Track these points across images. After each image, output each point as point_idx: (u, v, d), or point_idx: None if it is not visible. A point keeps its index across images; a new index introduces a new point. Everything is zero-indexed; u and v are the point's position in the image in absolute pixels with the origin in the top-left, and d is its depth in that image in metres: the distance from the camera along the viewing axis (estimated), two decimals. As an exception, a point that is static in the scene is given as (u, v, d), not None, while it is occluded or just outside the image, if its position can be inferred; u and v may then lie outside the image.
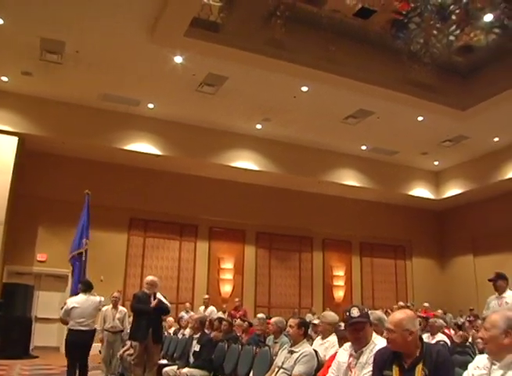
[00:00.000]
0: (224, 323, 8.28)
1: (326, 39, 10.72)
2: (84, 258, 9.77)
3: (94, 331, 7.49)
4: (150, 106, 12.75)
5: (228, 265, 15.04)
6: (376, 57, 11.52)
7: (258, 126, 13.85)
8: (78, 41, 9.99)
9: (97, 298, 7.59)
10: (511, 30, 10.80)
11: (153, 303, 6.99)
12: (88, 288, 7.54)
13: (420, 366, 3.02)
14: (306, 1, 10.29)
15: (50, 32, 9.73)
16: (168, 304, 7.32)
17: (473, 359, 3.14)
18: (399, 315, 3.23)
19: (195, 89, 11.83)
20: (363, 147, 15.39)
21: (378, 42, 11.42)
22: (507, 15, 10.37)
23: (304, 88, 11.72)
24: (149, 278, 7.36)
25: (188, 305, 12.99)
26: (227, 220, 15.05)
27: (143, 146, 13.21)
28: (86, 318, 7.18)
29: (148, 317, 6.98)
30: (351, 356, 3.66)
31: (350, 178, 15.85)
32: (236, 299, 13.42)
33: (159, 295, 7.18)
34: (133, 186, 13.93)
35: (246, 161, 14.33)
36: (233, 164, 14.17)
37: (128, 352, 8.10)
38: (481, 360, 2.97)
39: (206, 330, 7.65)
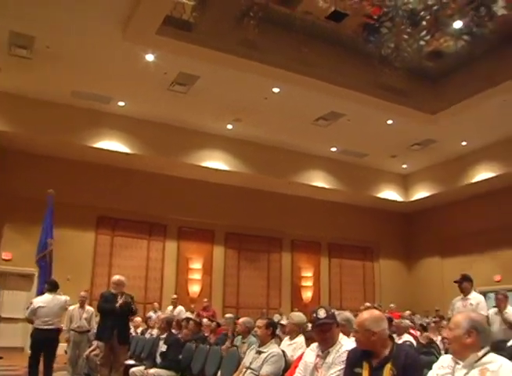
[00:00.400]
0: (191, 323, 8.25)
1: (299, 41, 10.77)
2: (48, 259, 9.67)
3: (59, 330, 7.45)
4: (121, 104, 12.64)
5: (196, 265, 14.98)
6: (348, 60, 11.62)
7: (229, 126, 13.85)
8: (49, 36, 9.85)
9: (63, 298, 7.54)
10: (479, 37, 11.01)
11: (119, 303, 6.92)
12: (53, 288, 7.49)
13: (388, 366, 3.08)
14: (279, 2, 10.32)
15: (20, 26, 9.57)
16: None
17: (438, 359, 3.21)
18: (363, 315, 3.31)
19: (166, 88, 11.77)
20: (333, 149, 15.50)
21: (350, 45, 11.52)
22: (476, 22, 10.57)
23: (276, 90, 11.76)
24: (116, 277, 7.30)
25: (156, 304, 12.92)
26: (196, 220, 15.00)
27: (113, 144, 13.09)
28: (52, 317, 7.16)
29: (113, 317, 6.91)
30: (317, 356, 3.70)
31: (320, 180, 15.95)
32: (205, 299, 13.40)
33: (121, 299, 7.06)
34: (102, 184, 13.77)
35: (216, 161, 14.32)
36: (204, 164, 14.14)
37: (94, 353, 8.02)
38: (445, 360, 3.03)
39: (173, 331, 7.63)
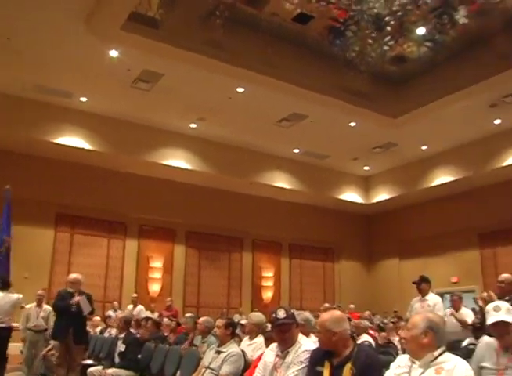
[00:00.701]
0: (149, 322, 8.20)
1: (265, 42, 10.81)
2: (4, 256, 9.47)
3: (11, 328, 7.33)
4: (83, 99, 12.44)
5: (157, 263, 14.86)
6: (313, 62, 11.71)
7: (193, 125, 13.78)
8: (9, 27, 9.62)
9: (14, 296, 7.43)
10: (441, 44, 11.25)
11: (74, 300, 6.81)
12: (4, 286, 7.37)
13: (348, 366, 3.15)
14: (246, 2, 10.33)
15: (-23, 17, 9.34)
16: (86, 308, 7.07)
17: (395, 359, 3.27)
18: (325, 316, 3.38)
19: (129, 85, 11.63)
20: (296, 150, 15.59)
21: (315, 48, 11.61)
22: (438, 30, 10.80)
23: (240, 90, 11.76)
24: (72, 276, 7.21)
25: (115, 303, 12.77)
26: (157, 218, 14.88)
27: (74, 140, 12.87)
28: (2, 315, 7.04)
29: (69, 316, 6.81)
30: (277, 356, 3.73)
31: (281, 181, 16.02)
32: (168, 299, 13.32)
33: (77, 297, 6.95)
34: (62, 180, 13.52)
35: (178, 160, 14.23)
36: (166, 163, 14.03)
37: (51, 352, 7.89)
38: (402, 360, 3.10)
39: (132, 330, 7.56)
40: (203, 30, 10.24)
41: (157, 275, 14.76)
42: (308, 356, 3.54)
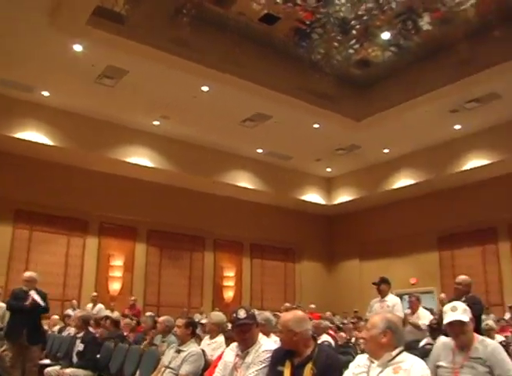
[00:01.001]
0: (108, 321, 8.11)
1: (231, 41, 10.79)
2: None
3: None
4: (45, 93, 12.19)
5: (117, 262, 14.68)
6: (279, 63, 11.75)
7: (156, 123, 13.67)
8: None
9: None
10: (405, 49, 11.44)
11: (28, 302, 6.69)
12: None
13: (309, 365, 3.19)
14: (213, 1, 10.31)
15: None
16: (41, 302, 6.94)
17: (354, 358, 3.32)
18: (287, 316, 3.41)
19: (94, 80, 11.46)
20: (259, 150, 15.62)
21: (281, 49, 11.66)
22: (403, 35, 10.98)
23: (205, 88, 11.72)
24: (27, 274, 7.08)
25: (74, 302, 12.60)
26: (119, 216, 14.70)
27: (35, 135, 12.59)
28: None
29: (23, 316, 6.68)
30: (237, 356, 3.74)
31: (244, 181, 16.03)
32: (132, 298, 13.22)
33: (32, 293, 6.83)
34: (21, 176, 13.21)
35: (141, 158, 14.09)
36: (128, 160, 13.88)
37: (5, 353, 7.72)
38: (361, 359, 3.15)
39: (91, 329, 7.47)
40: (169, 27, 10.16)
41: (118, 273, 14.59)
42: (268, 355, 3.56)
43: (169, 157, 14.48)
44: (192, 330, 4.91)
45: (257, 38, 11.35)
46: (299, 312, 3.53)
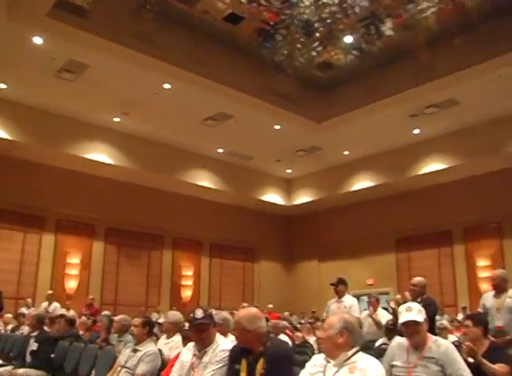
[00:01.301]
0: (62, 320, 7.97)
1: (194, 39, 10.77)
2: None
3: None
4: (2, 86, 11.89)
5: (74, 260, 14.44)
6: (241, 63, 11.77)
7: (117, 119, 13.50)
8: None
9: None
10: (367, 53, 11.60)
11: None
12: None
13: (261, 361, 3.21)
14: (178, -2, 10.25)
15: None
16: None
17: (311, 358, 3.35)
18: (240, 314, 3.44)
19: (53, 74, 11.24)
20: (220, 150, 15.59)
21: (245, 49, 11.68)
22: (365, 39, 11.13)
23: (167, 86, 11.64)
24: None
25: (29, 300, 12.33)
26: (77, 213, 14.45)
27: (-11, 128, 12.32)
28: None
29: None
30: (194, 355, 3.72)
31: (205, 180, 15.98)
32: (90, 297, 13.05)
33: None
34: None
35: (100, 154, 13.89)
36: (87, 156, 13.65)
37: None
38: (317, 359, 3.17)
39: (46, 328, 7.33)
40: (132, 23, 10.06)
41: (74, 271, 14.35)
42: (225, 355, 3.57)
43: (129, 154, 14.32)
44: (149, 330, 4.87)
45: (221, 38, 11.34)
46: (252, 310, 3.54)
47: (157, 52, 10.46)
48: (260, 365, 3.23)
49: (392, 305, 7.38)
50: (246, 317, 3.37)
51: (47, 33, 9.69)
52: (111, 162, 14.04)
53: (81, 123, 13.42)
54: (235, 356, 3.45)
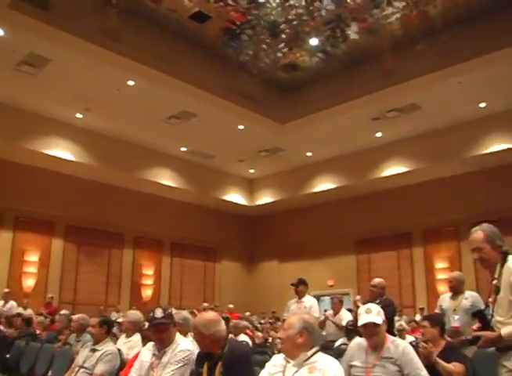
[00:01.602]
0: (18, 319, 7.82)
1: (160, 37, 10.69)
2: None
3: None
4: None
5: (33, 257, 14.14)
6: (206, 62, 11.74)
7: (79, 115, 13.29)
8: None
9: None
10: (332, 56, 11.71)
11: None
12: None
13: (219, 365, 3.21)
14: (144, -6, 10.16)
15: None
16: None
17: (271, 358, 3.36)
18: (197, 319, 3.46)
19: (13, 67, 10.98)
20: (183, 149, 15.51)
21: (210, 48, 11.66)
22: (331, 42, 11.24)
23: (131, 83, 11.51)
24: None
25: (-16, 299, 12.05)
26: (35, 210, 14.15)
27: None
28: None
29: None
30: (153, 355, 3.70)
31: (167, 178, 15.87)
32: (49, 295, 12.81)
33: None
34: None
35: (62, 150, 13.64)
36: (48, 152, 13.38)
37: None
38: (277, 359, 3.18)
39: (1, 327, 7.18)
40: (97, 17, 9.93)
41: (32, 269, 14.06)
42: (185, 355, 3.56)
43: (91, 151, 14.11)
44: (107, 329, 4.82)
45: (187, 36, 11.29)
46: (209, 315, 3.55)
47: (121, 49, 10.34)
48: (218, 369, 3.24)
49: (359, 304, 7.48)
50: (202, 323, 3.37)
51: (7, 24, 9.46)
52: (72, 159, 13.81)
53: (42, 118, 13.16)
54: (200, 359, 3.45)
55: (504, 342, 2.94)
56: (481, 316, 3.22)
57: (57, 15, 9.41)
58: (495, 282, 3.11)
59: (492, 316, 3.10)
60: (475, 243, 3.18)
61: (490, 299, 3.21)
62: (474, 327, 3.28)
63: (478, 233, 3.19)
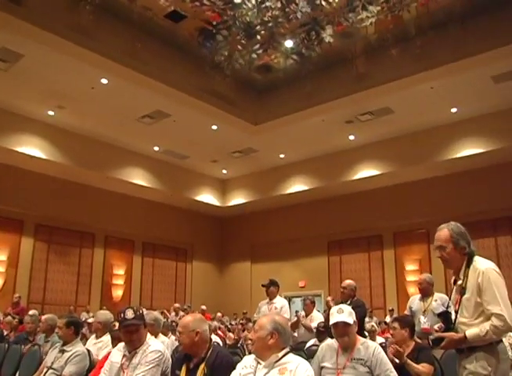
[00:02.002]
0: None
1: (134, 35, 10.61)
2: None
3: None
4: None
5: (1, 256, 13.88)
6: (181, 62, 11.71)
7: (51, 113, 13.10)
8: None
9: None
10: (307, 58, 11.76)
11: None
12: None
13: (202, 366, 3.23)
14: (120, -8, 10.07)
15: None
16: None
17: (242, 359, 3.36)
18: (187, 318, 3.47)
19: (-17, 62, 10.80)
20: (156, 148, 15.41)
21: (185, 47, 11.63)
22: (305, 45, 11.28)
23: (104, 81, 11.39)
24: None
25: None
26: (4, 208, 13.89)
27: None
28: None
29: None
30: (124, 356, 3.67)
31: (139, 178, 15.73)
32: (16, 295, 12.55)
33: None
34: None
35: (32, 148, 13.40)
36: (18, 149, 13.12)
37: None
38: (248, 360, 3.18)
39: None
40: (71, 14, 9.81)
41: (0, 269, 13.83)
42: (156, 356, 3.54)
43: (62, 149, 13.91)
44: (75, 330, 4.75)
45: (162, 35, 11.24)
46: (198, 315, 3.61)
47: (95, 46, 10.23)
48: (200, 370, 3.23)
49: (332, 304, 7.53)
50: (193, 320, 3.41)
51: (-21, 19, 9.30)
52: (43, 156, 13.58)
53: (13, 114, 12.93)
54: (178, 362, 3.46)
55: (468, 344, 2.92)
56: (445, 317, 3.18)
57: (30, 10, 9.28)
58: (459, 283, 3.07)
59: (456, 318, 3.07)
60: (439, 241, 3.13)
61: (451, 299, 3.20)
62: (436, 327, 3.27)
63: (444, 231, 3.13)
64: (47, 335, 6.04)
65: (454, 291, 3.16)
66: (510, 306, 2.89)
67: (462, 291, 3.03)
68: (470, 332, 2.90)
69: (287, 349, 3.08)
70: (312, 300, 8.40)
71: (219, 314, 13.80)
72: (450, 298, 3.18)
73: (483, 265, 3.00)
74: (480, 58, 10.18)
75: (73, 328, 4.70)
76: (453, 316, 3.10)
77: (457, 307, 3.07)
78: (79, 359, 4.47)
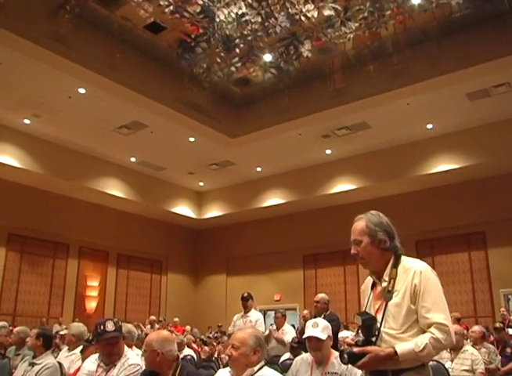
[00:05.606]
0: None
1: (113, 46, 10.57)
2: None
3: None
4: None
5: (-29, 266, 13.66)
6: (159, 73, 11.70)
7: (27, 121, 12.94)
8: None
9: None
10: (285, 72, 11.85)
11: None
12: None
13: None
14: (99, 2, 10.03)
15: None
16: None
17: (216, 373, 3.32)
18: (151, 336, 3.36)
19: (-42, 69, 10.64)
20: (132, 159, 15.31)
21: (163, 59, 11.63)
22: (284, 59, 11.37)
23: (82, 90, 11.31)
24: None
25: None
26: (-24, 217, 13.69)
27: None
28: None
29: None
30: (99, 366, 3.61)
31: (114, 188, 15.59)
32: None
33: None
34: None
35: (6, 156, 13.18)
36: (-9, 158, 12.99)
37: None
38: (223, 374, 3.14)
39: None
40: (49, 22, 9.74)
41: (-30, 279, 13.56)
42: (135, 369, 3.49)
43: (38, 158, 13.72)
44: (45, 342, 4.65)
45: (141, 46, 11.25)
46: (164, 333, 3.49)
47: (74, 55, 10.16)
48: None
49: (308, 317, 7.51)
50: (156, 339, 3.28)
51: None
52: (17, 165, 13.37)
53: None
54: None
55: (395, 363, 2.22)
56: (369, 325, 2.40)
57: (8, 17, 9.18)
58: (384, 285, 2.42)
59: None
60: (353, 234, 2.60)
61: (366, 308, 2.52)
62: (350, 338, 2.53)
63: (359, 221, 2.61)
64: (18, 348, 5.93)
65: (372, 297, 2.52)
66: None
67: (387, 295, 2.37)
68: (403, 347, 2.22)
69: (262, 363, 3.05)
70: (283, 313, 8.37)
71: (188, 327, 13.59)
72: (366, 306, 2.52)
73: (418, 265, 2.41)
74: (455, 75, 10.37)
75: (41, 340, 4.59)
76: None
77: (378, 314, 2.40)
78: (49, 372, 4.37)
